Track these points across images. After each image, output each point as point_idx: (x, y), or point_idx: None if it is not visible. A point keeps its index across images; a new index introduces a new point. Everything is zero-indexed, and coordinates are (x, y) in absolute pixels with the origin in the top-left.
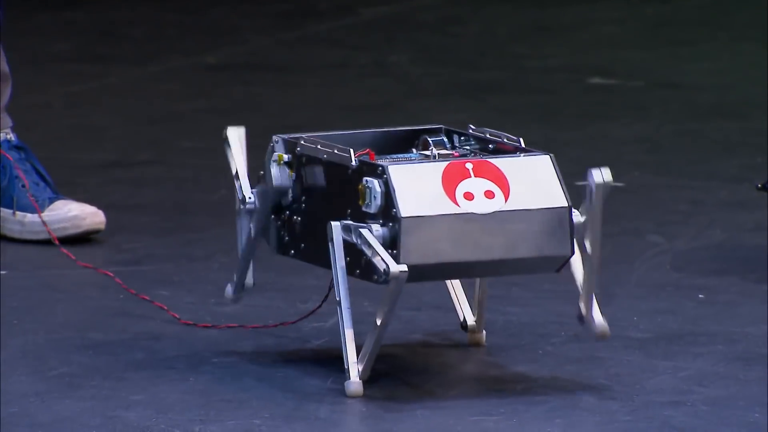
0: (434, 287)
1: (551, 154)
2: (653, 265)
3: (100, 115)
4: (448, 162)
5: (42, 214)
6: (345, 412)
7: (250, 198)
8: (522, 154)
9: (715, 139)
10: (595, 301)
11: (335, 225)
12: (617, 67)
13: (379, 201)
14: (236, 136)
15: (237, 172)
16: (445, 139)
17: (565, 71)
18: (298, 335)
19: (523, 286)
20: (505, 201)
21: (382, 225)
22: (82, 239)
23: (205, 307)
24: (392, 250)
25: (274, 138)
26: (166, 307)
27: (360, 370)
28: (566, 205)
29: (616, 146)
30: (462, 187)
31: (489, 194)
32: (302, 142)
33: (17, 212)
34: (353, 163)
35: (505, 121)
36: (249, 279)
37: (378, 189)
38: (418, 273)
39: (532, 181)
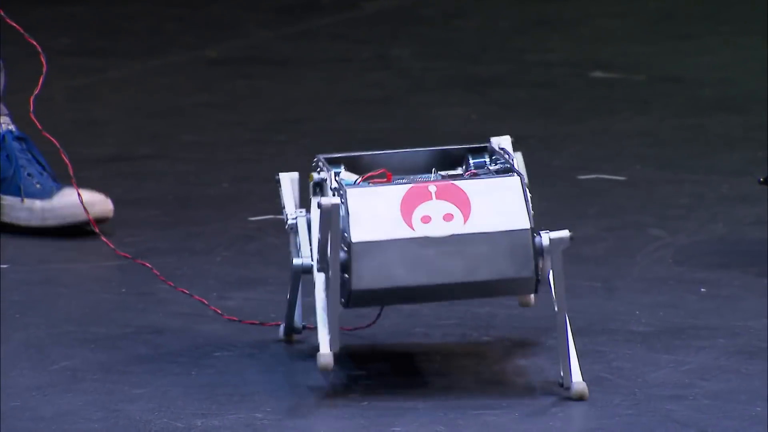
0: None
1: (522, 176)
2: (655, 259)
3: (102, 109)
4: (411, 185)
5: (53, 201)
6: (347, 406)
7: (292, 217)
8: (493, 176)
9: (717, 134)
10: (573, 361)
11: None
12: (619, 61)
13: (341, 225)
14: (288, 181)
15: (285, 204)
16: (487, 160)
17: (566, 65)
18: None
19: None
20: (464, 223)
21: (342, 250)
22: (85, 232)
23: (208, 301)
24: (346, 275)
25: (315, 158)
26: (206, 302)
27: (330, 342)
28: (527, 227)
29: (618, 140)
30: (420, 211)
31: (448, 217)
32: (320, 162)
33: (26, 199)
34: (333, 186)
35: (507, 115)
36: (297, 322)
37: (342, 213)
38: (372, 297)
39: (497, 203)
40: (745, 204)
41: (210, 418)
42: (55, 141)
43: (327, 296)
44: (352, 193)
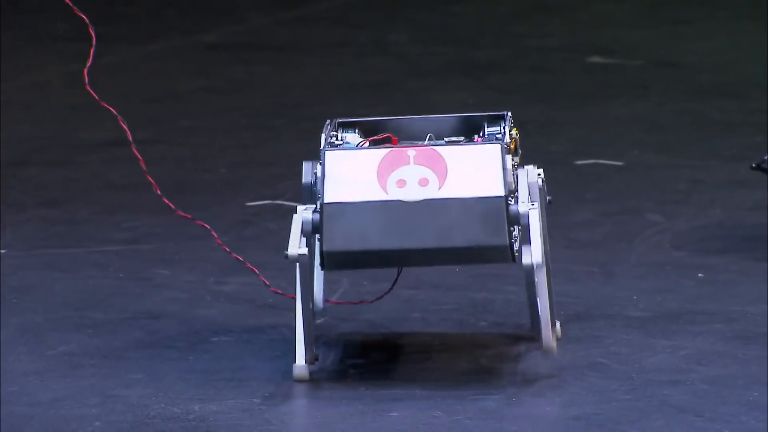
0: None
1: (503, 143)
2: (653, 244)
3: (100, 94)
4: (390, 149)
5: None
6: (344, 392)
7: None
8: (473, 143)
9: (715, 119)
10: (546, 319)
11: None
12: (617, 46)
13: (319, 186)
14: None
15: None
16: (503, 128)
17: (564, 50)
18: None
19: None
20: (439, 189)
21: (314, 210)
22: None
23: (205, 286)
24: (317, 236)
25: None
26: (267, 281)
27: (305, 354)
28: (502, 194)
29: (616, 125)
30: (396, 174)
31: (423, 182)
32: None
33: None
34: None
35: (505, 100)
36: (318, 301)
37: (320, 174)
38: (347, 260)
39: (474, 170)
40: (743, 189)
41: (207, 403)
42: (113, 110)
43: (303, 309)
44: (329, 155)
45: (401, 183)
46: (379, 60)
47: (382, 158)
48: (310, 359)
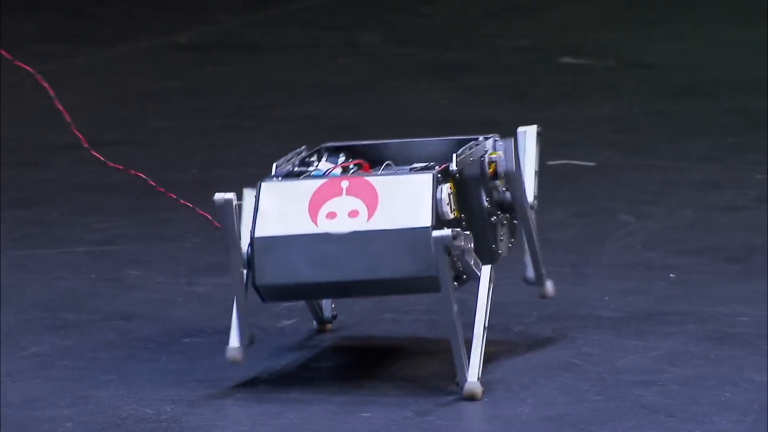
0: None
1: (435, 172)
2: (624, 245)
3: (70, 95)
4: (324, 180)
5: None
6: (317, 393)
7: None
8: (406, 173)
9: (686, 119)
10: (471, 363)
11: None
12: (588, 47)
13: (252, 218)
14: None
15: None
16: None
17: (536, 51)
18: (268, 315)
19: (496, 267)
20: (367, 220)
21: (248, 245)
22: None
23: (177, 287)
24: (250, 271)
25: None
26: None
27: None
28: (428, 225)
29: (587, 126)
30: (328, 206)
31: (353, 213)
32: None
33: None
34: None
35: (477, 101)
36: (327, 312)
37: (254, 206)
38: (277, 293)
39: (404, 201)
40: (714, 190)
41: (179, 404)
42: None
43: (236, 292)
44: (265, 188)
45: (331, 215)
46: (351, 61)
47: (316, 189)
48: (245, 341)
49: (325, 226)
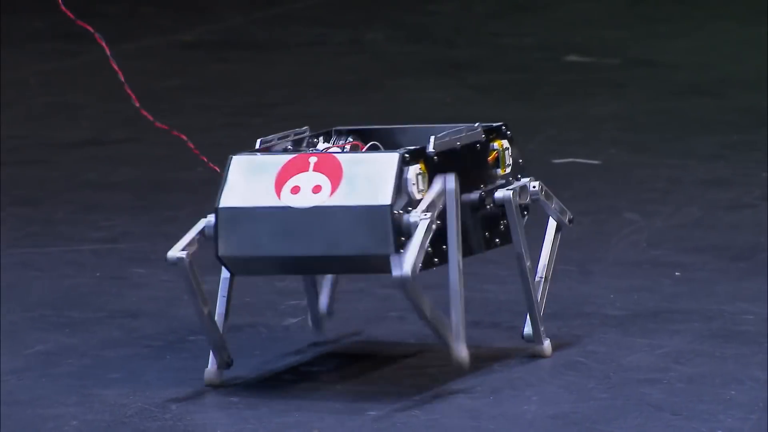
0: None
1: (402, 152)
2: (630, 243)
3: (76, 93)
4: (293, 155)
5: None
6: (322, 390)
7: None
8: (374, 152)
9: (692, 117)
10: (460, 330)
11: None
12: (594, 45)
13: (219, 189)
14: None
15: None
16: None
17: (541, 49)
18: (273, 313)
19: (500, 264)
20: (329, 196)
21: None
22: None
23: (182, 285)
24: (215, 241)
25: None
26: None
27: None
28: (387, 203)
29: (593, 124)
30: (294, 181)
31: (316, 189)
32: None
33: None
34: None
35: (482, 99)
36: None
37: (222, 178)
38: (241, 265)
39: (367, 179)
40: (720, 188)
41: (185, 402)
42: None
43: (198, 314)
44: (235, 160)
45: (295, 189)
46: (357, 59)
47: (283, 164)
48: (222, 363)
49: (287, 200)
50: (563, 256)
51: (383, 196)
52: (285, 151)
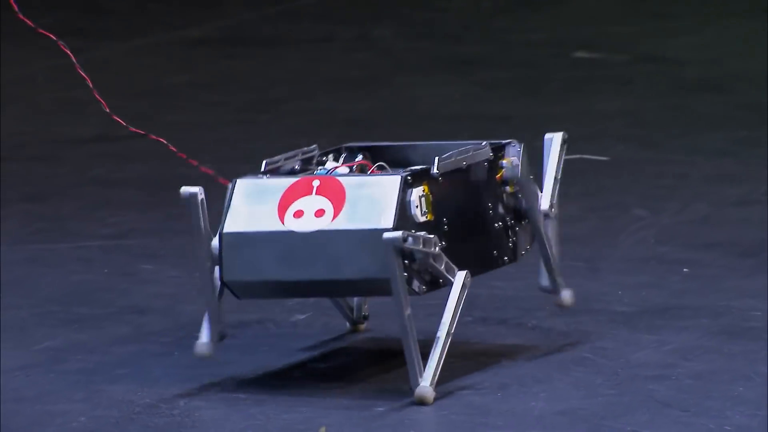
0: None
1: (404, 175)
2: (638, 239)
3: (84, 89)
4: (296, 179)
5: None
6: (329, 387)
7: None
8: (376, 174)
9: (700, 113)
10: (427, 367)
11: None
12: (602, 41)
13: (224, 214)
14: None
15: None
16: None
17: (549, 45)
18: (281, 309)
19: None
20: (332, 220)
21: (218, 240)
22: None
23: (191, 281)
24: (218, 266)
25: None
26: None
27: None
28: (390, 226)
29: (601, 120)
30: (297, 205)
31: (319, 213)
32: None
33: None
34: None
35: (490, 95)
36: (357, 313)
37: (227, 202)
38: (246, 290)
39: (370, 202)
40: (728, 184)
41: (193, 398)
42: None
43: (203, 287)
44: (239, 184)
45: (299, 213)
46: (364, 55)
47: (287, 188)
48: (215, 336)
49: (290, 224)
50: (571, 252)
51: (385, 219)
52: (289, 173)
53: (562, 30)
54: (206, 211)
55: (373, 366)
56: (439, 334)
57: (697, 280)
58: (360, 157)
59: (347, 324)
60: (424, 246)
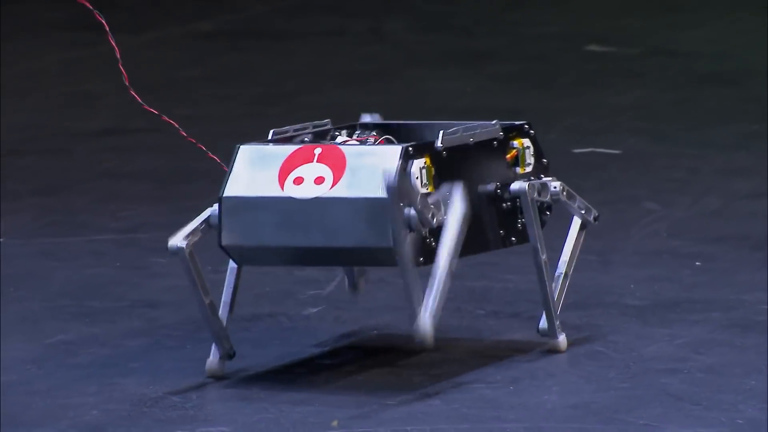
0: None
1: (406, 146)
2: (650, 233)
3: (96, 82)
4: (298, 146)
5: None
6: (342, 380)
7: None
8: (378, 143)
9: (712, 107)
10: (427, 306)
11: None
12: (614, 34)
13: (225, 179)
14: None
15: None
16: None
17: (561, 39)
18: (294, 302)
19: (521, 254)
20: (331, 188)
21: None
22: None
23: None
24: (218, 230)
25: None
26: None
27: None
28: (386, 196)
29: (612, 114)
30: (297, 172)
31: (319, 180)
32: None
33: None
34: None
35: (501, 89)
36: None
37: (228, 168)
38: (244, 255)
39: (369, 171)
40: (739, 177)
41: (205, 391)
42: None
43: (199, 304)
44: (242, 150)
45: (299, 180)
46: (376, 48)
47: (289, 155)
48: (224, 354)
49: (290, 190)
50: (583, 245)
51: (384, 188)
52: (292, 141)
53: (573, 23)
54: (196, 261)
55: (384, 361)
56: (437, 266)
57: (709, 273)
58: (373, 134)
59: (346, 284)
60: (424, 214)
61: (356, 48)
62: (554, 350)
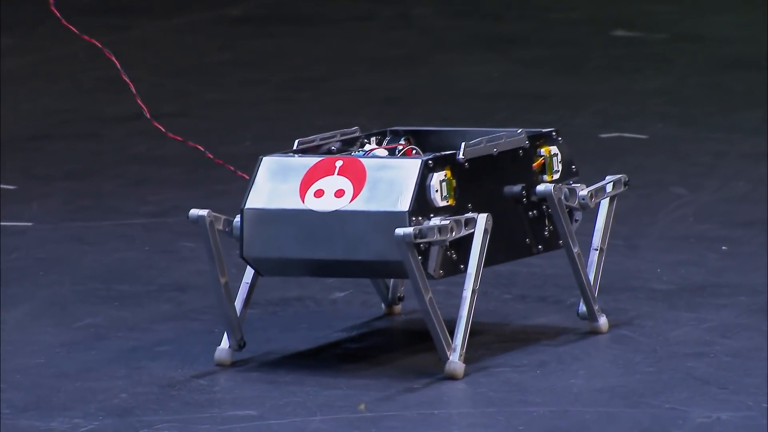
0: None
1: (426, 159)
2: (677, 217)
3: (125, 67)
4: (320, 158)
5: None
6: (366, 364)
7: None
8: (398, 156)
9: (739, 91)
10: (456, 348)
11: None
12: (641, 19)
13: (247, 190)
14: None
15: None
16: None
17: (588, 24)
18: (321, 287)
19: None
20: (351, 201)
21: (239, 215)
22: None
23: (230, 260)
24: (240, 241)
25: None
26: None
27: (236, 339)
28: (405, 209)
29: (640, 99)
30: (318, 184)
31: (339, 193)
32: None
33: None
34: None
35: (529, 73)
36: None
37: (251, 179)
38: (266, 266)
39: (389, 184)
40: (766, 162)
41: (233, 373)
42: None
43: (220, 303)
44: (264, 162)
45: (319, 193)
46: (404, 33)
47: (310, 167)
48: (234, 344)
49: (310, 203)
50: (610, 230)
51: (402, 202)
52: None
53: (601, 8)
54: (216, 233)
55: (410, 345)
56: (464, 293)
57: (735, 257)
58: (402, 141)
59: (383, 306)
60: (440, 234)
61: (385, 33)
62: (596, 332)
